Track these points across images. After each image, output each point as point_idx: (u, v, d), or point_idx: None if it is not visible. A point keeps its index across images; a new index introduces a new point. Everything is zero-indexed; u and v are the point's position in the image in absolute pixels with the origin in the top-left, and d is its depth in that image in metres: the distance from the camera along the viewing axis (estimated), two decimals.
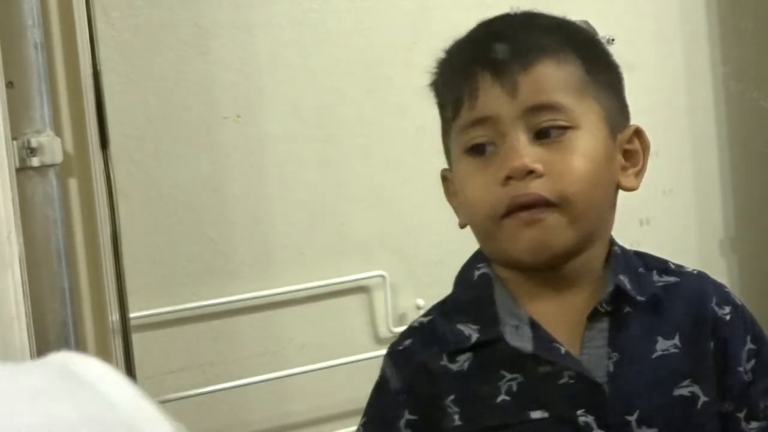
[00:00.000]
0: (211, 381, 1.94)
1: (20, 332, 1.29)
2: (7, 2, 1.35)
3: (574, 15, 1.32)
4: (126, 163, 1.85)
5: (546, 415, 1.14)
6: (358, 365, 2.05)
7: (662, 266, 1.24)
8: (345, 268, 2.07)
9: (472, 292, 1.21)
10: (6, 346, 1.28)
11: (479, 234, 1.21)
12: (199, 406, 1.93)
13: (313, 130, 2.04)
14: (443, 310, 1.24)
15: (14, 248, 1.28)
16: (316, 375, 2.01)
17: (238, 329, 1.98)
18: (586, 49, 1.20)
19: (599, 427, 1.13)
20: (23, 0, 1.35)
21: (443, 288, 2.16)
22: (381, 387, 1.21)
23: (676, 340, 1.18)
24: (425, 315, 1.25)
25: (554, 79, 1.16)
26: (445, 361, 1.17)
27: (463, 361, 1.17)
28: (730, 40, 2.41)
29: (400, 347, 1.22)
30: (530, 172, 1.12)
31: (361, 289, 2.09)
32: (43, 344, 1.36)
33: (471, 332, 1.18)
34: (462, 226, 1.24)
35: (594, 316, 1.17)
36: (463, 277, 1.26)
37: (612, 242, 1.22)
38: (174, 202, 1.93)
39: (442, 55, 1.26)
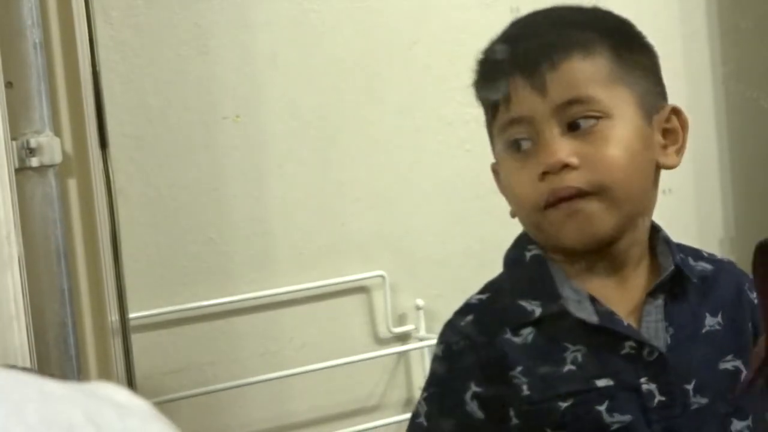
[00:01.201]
0: (211, 381, 1.94)
1: (19, 332, 1.29)
2: (6, 2, 1.35)
3: None
4: (125, 163, 1.85)
5: (611, 383, 1.19)
6: (357, 365, 2.05)
7: (697, 253, 1.31)
8: (345, 268, 2.07)
9: (527, 272, 1.26)
10: (5, 346, 1.28)
11: (527, 224, 1.26)
12: (199, 406, 1.93)
13: (312, 130, 2.04)
14: (499, 288, 1.28)
15: (13, 248, 1.28)
16: (315, 375, 2.01)
17: (237, 329, 1.98)
18: (616, 36, 1.24)
19: (661, 394, 1.19)
20: (22, 0, 1.35)
21: (443, 288, 2.16)
22: (444, 360, 1.25)
23: (719, 318, 1.25)
24: (481, 292, 1.30)
25: (582, 73, 1.21)
26: (509, 335, 1.22)
27: (527, 334, 1.22)
28: (730, 40, 2.41)
29: (462, 323, 1.27)
30: (565, 166, 1.18)
31: (360, 289, 2.09)
32: (42, 344, 1.36)
33: (533, 308, 1.23)
34: (513, 215, 1.30)
35: (654, 292, 1.24)
36: (514, 259, 1.30)
37: (654, 225, 1.28)
38: (174, 202, 1.93)
39: (479, 56, 1.31)
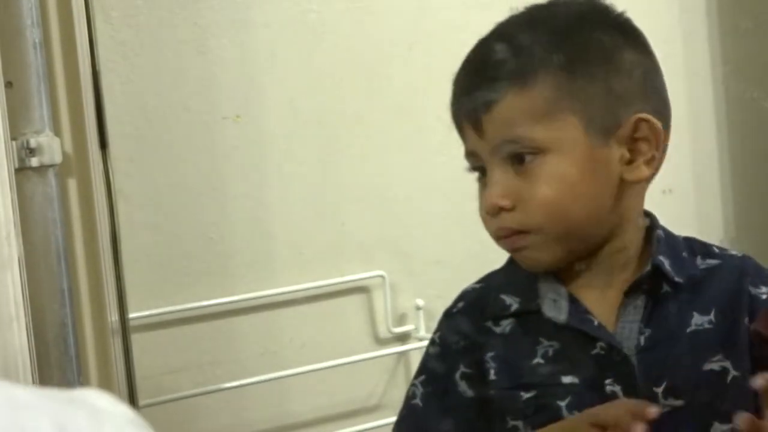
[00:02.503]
0: (211, 381, 1.94)
1: (19, 332, 1.29)
2: (6, 2, 1.35)
3: None
4: (125, 163, 1.85)
5: (576, 380, 1.21)
6: (357, 365, 2.05)
7: (707, 250, 1.30)
8: (345, 268, 2.07)
9: (516, 268, 1.28)
10: (5, 347, 1.28)
11: None
12: (199, 406, 1.93)
13: (313, 130, 2.04)
14: (493, 280, 1.31)
15: (13, 249, 1.28)
16: (315, 375, 2.01)
17: (238, 329, 1.98)
18: (567, 53, 1.20)
19: (625, 395, 1.20)
20: (22, 0, 1.35)
21: (443, 288, 2.16)
22: (437, 344, 1.30)
23: (712, 316, 1.24)
24: (478, 282, 1.33)
25: (515, 112, 1.20)
26: (489, 324, 1.26)
27: (506, 325, 1.25)
28: (730, 39, 2.41)
29: (455, 309, 1.30)
30: (501, 209, 1.21)
31: (360, 290, 2.09)
32: (42, 345, 1.36)
33: (512, 302, 1.26)
34: None
35: (631, 292, 1.24)
36: (511, 256, 1.32)
37: (655, 226, 1.28)
38: (174, 202, 1.93)
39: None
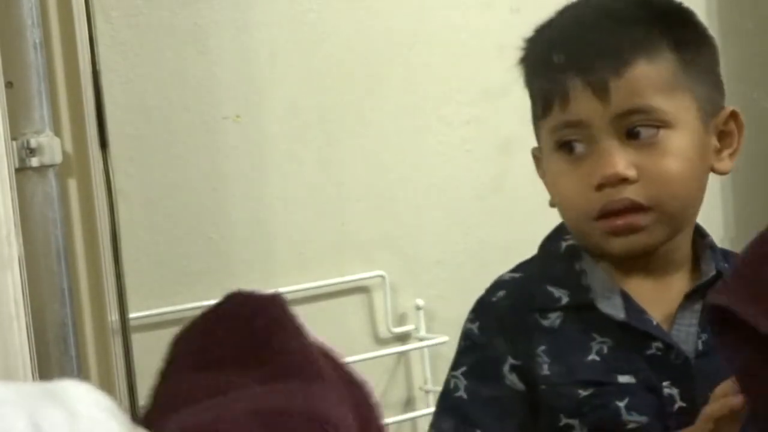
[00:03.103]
0: None
1: (19, 332, 1.29)
2: (6, 2, 1.35)
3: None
4: (125, 163, 1.85)
5: (633, 380, 1.17)
6: (358, 365, 2.04)
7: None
8: (345, 268, 2.07)
9: (560, 262, 1.24)
10: (5, 346, 1.28)
11: (572, 227, 1.23)
12: None
13: (313, 130, 2.04)
14: (531, 270, 1.26)
15: (13, 248, 1.28)
16: None
17: None
18: (681, 35, 1.20)
19: (682, 400, 1.17)
20: (22, 0, 1.35)
21: (443, 288, 2.16)
22: (479, 335, 1.25)
23: None
24: (513, 271, 1.28)
25: (647, 80, 1.16)
26: (536, 316, 1.21)
27: (554, 318, 1.21)
28: (730, 40, 2.41)
29: (494, 298, 1.25)
30: (623, 180, 1.15)
31: (360, 289, 2.09)
32: (42, 344, 1.36)
33: (561, 295, 1.21)
34: (552, 205, 1.26)
35: (691, 296, 1.21)
36: (549, 248, 1.28)
37: (701, 231, 1.27)
38: (174, 202, 1.93)
39: (531, 43, 1.25)
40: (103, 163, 1.48)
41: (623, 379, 1.17)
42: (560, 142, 1.19)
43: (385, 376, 2.12)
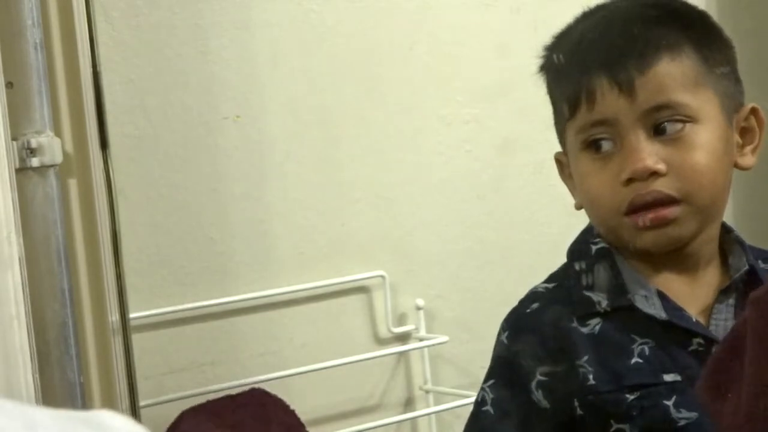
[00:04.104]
0: (211, 381, 1.94)
1: (20, 332, 1.29)
2: (6, 2, 1.35)
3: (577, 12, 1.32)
4: (126, 164, 1.85)
5: (679, 378, 1.18)
6: (357, 365, 2.05)
7: (764, 255, 1.29)
8: (345, 268, 2.07)
9: (593, 266, 1.23)
10: (5, 347, 1.28)
11: (601, 226, 1.24)
12: None
13: (313, 130, 2.04)
14: (564, 278, 1.26)
15: (14, 249, 1.28)
16: (316, 375, 2.01)
17: (238, 329, 1.98)
18: (699, 32, 1.23)
19: None
20: (22, 0, 1.35)
21: (443, 288, 2.16)
22: (510, 348, 1.23)
23: None
24: (546, 282, 1.27)
25: (671, 77, 1.19)
26: (575, 324, 1.20)
27: (594, 324, 1.20)
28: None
29: (528, 310, 1.24)
30: (653, 173, 1.17)
31: (360, 289, 2.09)
32: (42, 344, 1.36)
33: (599, 299, 1.21)
34: (578, 207, 1.27)
35: (726, 290, 1.22)
36: (579, 251, 1.27)
37: (726, 226, 1.27)
38: (174, 202, 1.93)
39: (553, 46, 1.28)
40: (103, 163, 1.48)
41: (669, 377, 1.18)
42: (587, 142, 1.21)
43: (385, 376, 2.12)
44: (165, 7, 1.91)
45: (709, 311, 1.22)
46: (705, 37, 1.23)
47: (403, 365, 2.13)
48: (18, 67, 1.36)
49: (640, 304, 1.20)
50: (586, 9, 1.28)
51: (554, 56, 1.26)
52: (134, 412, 1.49)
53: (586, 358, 1.19)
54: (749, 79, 2.39)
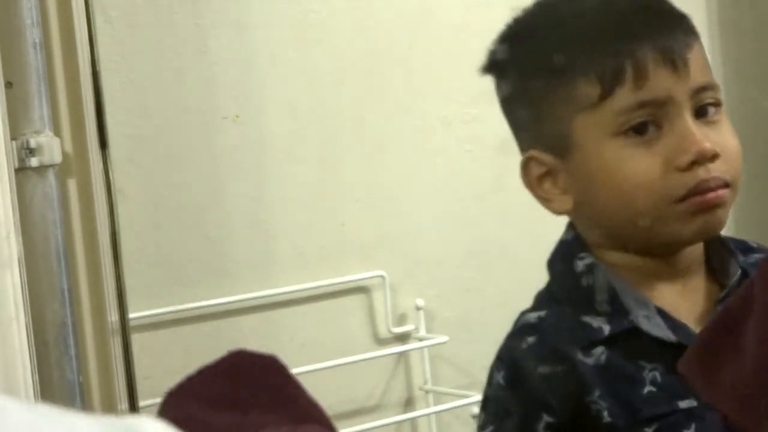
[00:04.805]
0: None
1: (19, 332, 1.29)
2: (6, 2, 1.35)
3: None
4: (125, 163, 1.85)
5: (693, 403, 1.09)
6: (357, 365, 2.05)
7: (746, 246, 1.21)
8: (345, 268, 2.07)
9: (584, 284, 1.13)
10: (5, 347, 1.28)
11: (639, 217, 1.11)
12: None
13: (313, 130, 2.04)
14: (556, 302, 1.15)
15: (13, 249, 1.28)
16: (315, 375, 2.00)
17: (238, 329, 1.98)
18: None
19: None
20: (22, 0, 1.35)
21: (443, 288, 2.16)
22: (509, 389, 1.12)
23: None
24: (533, 310, 1.15)
25: (704, 59, 1.13)
26: (580, 356, 1.10)
27: (599, 354, 1.10)
28: (730, 40, 2.41)
29: (524, 345, 1.12)
30: (713, 156, 1.08)
31: (360, 289, 2.09)
32: (42, 345, 1.36)
33: (600, 324, 1.11)
34: (562, 212, 1.16)
35: (721, 301, 1.13)
36: (564, 269, 1.16)
37: None
38: (174, 202, 1.93)
39: (571, 20, 1.14)
40: (103, 163, 1.48)
41: (684, 404, 1.09)
42: (628, 125, 1.09)
43: (385, 376, 2.12)
44: (164, 6, 1.91)
45: (705, 321, 1.12)
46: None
47: (403, 365, 2.13)
48: (17, 67, 1.36)
49: (645, 326, 1.10)
50: None
51: (568, 22, 1.13)
52: (134, 412, 1.49)
53: (598, 393, 1.08)
54: (749, 79, 2.40)
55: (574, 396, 1.09)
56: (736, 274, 1.15)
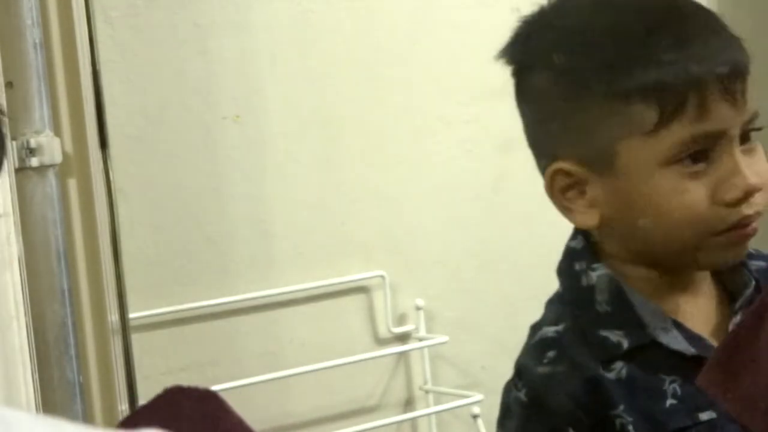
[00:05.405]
0: (211, 381, 1.94)
1: (19, 332, 1.29)
2: (6, 2, 1.35)
3: None
4: (125, 163, 1.85)
5: (714, 414, 1.07)
6: (357, 365, 2.05)
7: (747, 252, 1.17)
8: (345, 268, 2.07)
9: (600, 297, 1.11)
10: (5, 347, 1.28)
11: (675, 243, 1.09)
12: None
13: (313, 130, 2.04)
14: (571, 315, 1.12)
15: (13, 248, 1.28)
16: (316, 375, 2.01)
17: (238, 329, 1.98)
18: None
19: None
20: (22, 0, 1.35)
21: (443, 288, 2.16)
22: (533, 407, 1.10)
23: None
24: (552, 323, 1.12)
25: (752, 81, 1.08)
26: (600, 371, 1.08)
27: (619, 368, 1.09)
28: None
29: (545, 360, 1.09)
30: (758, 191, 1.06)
31: (360, 289, 2.09)
32: (42, 344, 1.36)
33: (618, 338, 1.09)
34: (591, 226, 1.12)
35: (736, 311, 1.12)
36: (577, 280, 1.13)
37: None
38: (174, 202, 1.93)
39: (603, 16, 1.09)
40: (103, 163, 1.48)
41: (705, 416, 1.08)
42: (681, 155, 1.05)
43: (385, 376, 2.12)
44: (165, 7, 1.91)
45: (720, 331, 1.12)
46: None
47: (403, 365, 2.13)
48: (17, 67, 1.36)
49: (664, 339, 1.09)
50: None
51: (609, 31, 1.07)
52: (134, 411, 1.49)
53: (622, 407, 1.07)
54: (749, 79, 2.40)
55: (599, 411, 1.07)
56: (750, 283, 1.13)
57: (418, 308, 2.12)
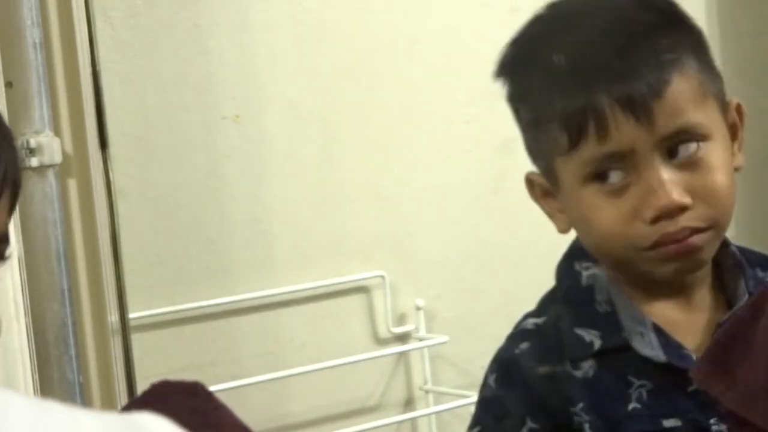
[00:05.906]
0: (211, 381, 1.93)
1: (19, 332, 1.29)
2: (6, 2, 1.35)
3: None
4: (125, 163, 1.85)
5: (679, 423, 1.08)
6: (357, 365, 2.05)
7: (763, 261, 1.17)
8: (345, 268, 2.07)
9: (584, 295, 1.13)
10: (5, 346, 1.28)
11: (608, 258, 1.12)
12: None
13: (313, 130, 2.04)
14: (556, 310, 1.14)
15: (13, 249, 1.28)
16: (315, 375, 2.01)
17: (238, 329, 1.98)
18: (693, 35, 1.12)
19: None
20: (22, 0, 1.35)
21: (443, 288, 2.16)
22: (498, 391, 1.13)
23: None
24: (536, 315, 1.15)
25: (683, 96, 1.07)
26: (568, 367, 1.10)
27: (587, 367, 1.10)
28: (730, 40, 2.41)
29: (517, 351, 1.12)
30: (681, 209, 1.05)
31: (360, 290, 2.09)
32: (42, 344, 1.36)
33: (592, 338, 1.11)
34: (565, 231, 1.15)
35: (723, 323, 1.10)
36: (568, 280, 1.16)
37: (726, 240, 1.15)
38: (174, 202, 1.93)
39: (522, 49, 1.14)
40: (103, 163, 1.48)
41: (669, 423, 1.08)
42: (594, 173, 1.08)
43: (385, 376, 2.12)
44: (164, 6, 1.91)
45: (706, 341, 1.11)
46: (697, 37, 1.12)
47: (403, 365, 2.13)
48: (17, 67, 1.36)
49: (637, 343, 1.09)
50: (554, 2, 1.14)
51: (535, 64, 1.12)
52: None
53: (581, 405, 1.08)
54: (749, 79, 2.40)
55: (558, 406, 1.09)
56: (743, 298, 1.12)
57: (418, 308, 2.12)
